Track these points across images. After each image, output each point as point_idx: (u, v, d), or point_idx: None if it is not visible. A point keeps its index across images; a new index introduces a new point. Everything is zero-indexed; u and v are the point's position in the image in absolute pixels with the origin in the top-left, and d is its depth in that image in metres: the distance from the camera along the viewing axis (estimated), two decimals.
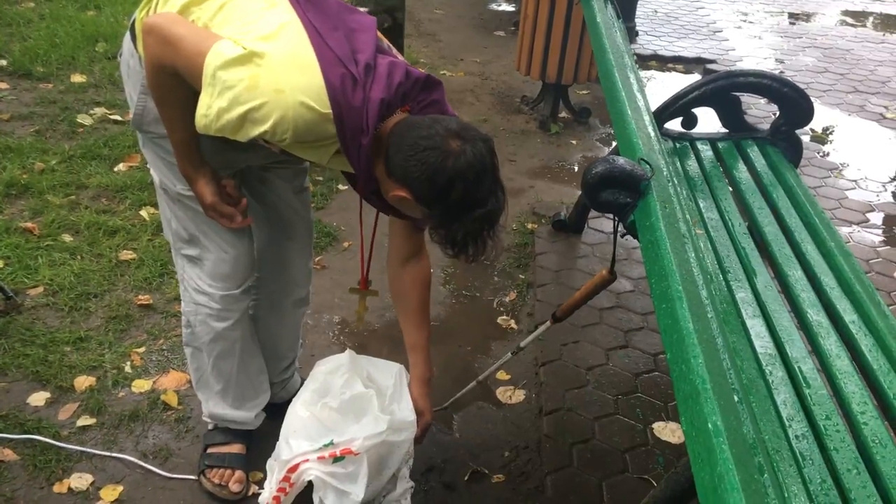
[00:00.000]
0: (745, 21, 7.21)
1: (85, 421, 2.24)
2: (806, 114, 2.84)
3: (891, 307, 3.03)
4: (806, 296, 2.06)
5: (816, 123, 4.76)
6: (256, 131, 1.43)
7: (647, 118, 1.81)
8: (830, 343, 1.88)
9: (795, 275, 2.15)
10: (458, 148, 1.45)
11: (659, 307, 1.14)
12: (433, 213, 1.50)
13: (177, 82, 1.51)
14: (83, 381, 2.37)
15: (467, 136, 1.48)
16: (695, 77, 5.56)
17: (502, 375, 2.57)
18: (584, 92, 5.12)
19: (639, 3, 6.25)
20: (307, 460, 1.83)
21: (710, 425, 0.88)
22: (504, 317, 2.89)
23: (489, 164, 1.50)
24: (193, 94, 1.47)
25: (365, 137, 1.47)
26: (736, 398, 0.99)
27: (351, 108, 1.45)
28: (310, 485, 1.84)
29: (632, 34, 6.05)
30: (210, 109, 1.44)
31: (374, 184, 1.59)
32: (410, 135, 1.48)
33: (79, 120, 4.00)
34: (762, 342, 1.88)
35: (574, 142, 4.46)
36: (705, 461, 0.86)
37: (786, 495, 1.35)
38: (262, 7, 1.53)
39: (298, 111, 1.41)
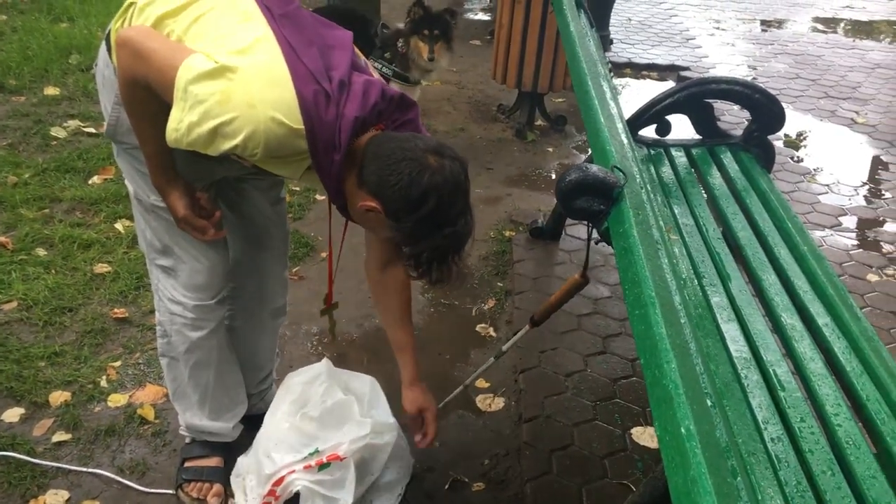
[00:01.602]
0: (717, 28, 7.29)
1: (60, 436, 2.22)
2: (778, 119, 2.87)
3: (864, 309, 3.08)
4: (780, 299, 2.08)
5: (789, 129, 4.82)
6: (227, 146, 1.43)
7: (620, 126, 1.82)
8: (804, 346, 1.91)
9: (769, 279, 2.17)
10: (435, 163, 1.47)
11: (632, 313, 1.15)
12: (401, 227, 1.50)
13: (149, 95, 1.50)
14: (58, 397, 2.34)
15: (445, 154, 1.50)
16: (669, 84, 5.61)
17: (481, 383, 2.57)
18: (560, 100, 5.16)
19: (613, 11, 6.30)
20: (293, 471, 1.83)
21: (682, 430, 0.89)
22: (483, 324, 2.89)
23: (463, 185, 1.52)
24: (166, 108, 1.47)
25: (337, 153, 1.48)
26: (709, 402, 1.00)
27: (323, 123, 1.45)
28: (296, 495, 1.84)
29: (606, 42, 6.10)
30: (181, 124, 1.43)
31: (343, 199, 1.59)
32: (388, 145, 1.49)
33: (52, 133, 3.96)
34: (737, 346, 1.90)
35: (550, 149, 4.48)
36: (679, 465, 0.87)
37: (759, 498, 1.36)
38: (237, 21, 1.53)
39: (269, 126, 1.41)
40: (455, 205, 1.50)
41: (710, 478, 0.83)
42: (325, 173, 1.51)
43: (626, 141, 1.75)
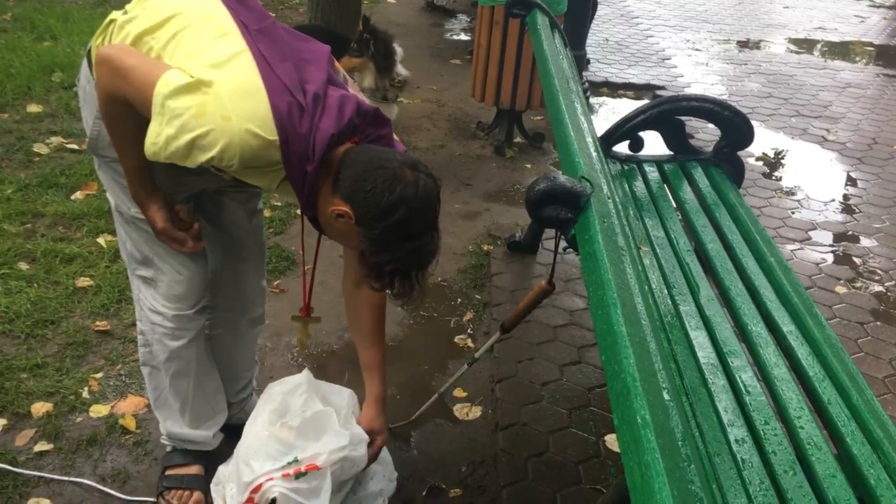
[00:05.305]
0: (693, 49, 7.43)
1: (42, 446, 2.24)
2: (746, 136, 2.95)
3: (832, 320, 3.16)
4: (746, 308, 2.15)
5: (762, 146, 4.93)
6: (204, 157, 1.47)
7: (589, 139, 1.89)
8: (769, 352, 1.97)
9: (737, 288, 2.24)
10: (411, 176, 1.52)
11: (596, 314, 1.20)
12: (369, 234, 1.54)
13: (128, 111, 1.54)
14: (40, 408, 2.37)
15: (421, 170, 1.56)
16: (645, 103, 5.70)
17: (459, 393, 2.62)
18: (539, 118, 5.24)
19: (590, 32, 6.41)
20: (271, 479, 1.86)
21: (638, 419, 0.95)
22: (461, 336, 2.94)
23: (433, 202, 1.57)
24: (145, 123, 1.51)
25: (310, 165, 1.52)
26: (667, 396, 1.05)
27: (297, 135, 1.50)
28: (272, 502, 1.87)
29: (584, 62, 6.19)
30: (159, 137, 1.47)
31: (314, 211, 1.63)
32: (367, 155, 1.55)
33: (35, 149, 3.99)
34: (704, 352, 1.96)
35: (528, 166, 4.56)
36: (633, 452, 0.92)
37: (713, 486, 1.42)
38: (214, 36, 1.57)
39: (244, 138, 1.46)
40: (423, 220, 1.55)
41: (662, 461, 0.89)
42: (297, 184, 1.56)
43: (594, 153, 1.81)
